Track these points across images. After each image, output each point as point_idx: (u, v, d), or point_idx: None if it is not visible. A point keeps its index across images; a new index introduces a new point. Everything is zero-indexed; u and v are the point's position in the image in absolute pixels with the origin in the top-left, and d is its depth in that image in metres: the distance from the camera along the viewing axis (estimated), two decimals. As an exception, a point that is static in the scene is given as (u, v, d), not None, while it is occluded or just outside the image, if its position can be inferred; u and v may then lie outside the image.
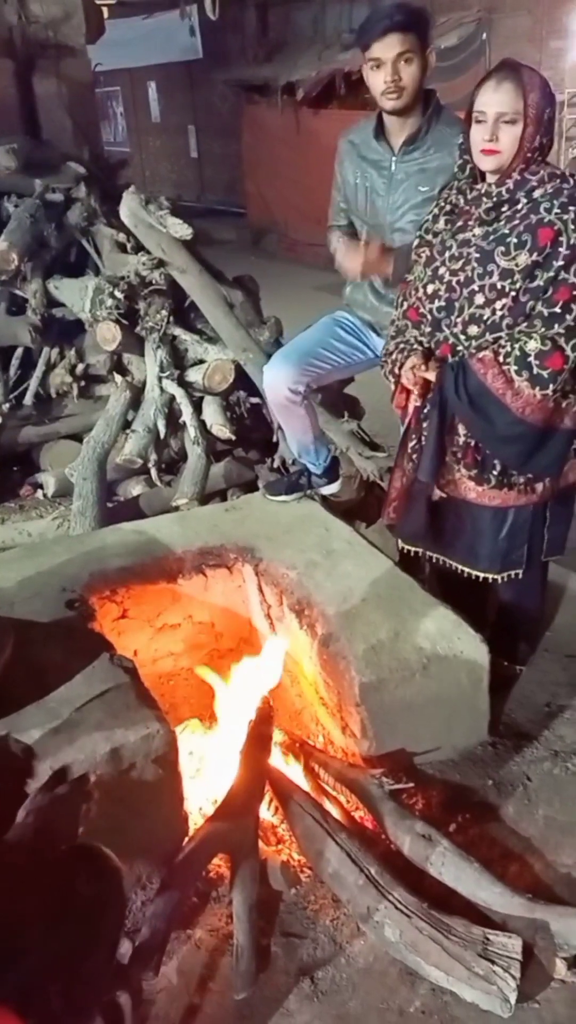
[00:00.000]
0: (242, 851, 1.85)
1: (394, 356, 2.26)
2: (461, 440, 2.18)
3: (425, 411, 2.23)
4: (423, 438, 2.25)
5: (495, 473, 2.18)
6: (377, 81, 2.42)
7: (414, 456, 2.30)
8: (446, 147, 2.46)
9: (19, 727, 1.80)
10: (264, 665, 2.33)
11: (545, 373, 2.00)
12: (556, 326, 2.00)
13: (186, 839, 1.89)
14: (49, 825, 1.40)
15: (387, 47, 2.36)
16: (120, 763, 1.77)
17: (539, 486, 2.22)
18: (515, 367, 2.02)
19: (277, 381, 2.69)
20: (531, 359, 2.00)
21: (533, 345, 2.00)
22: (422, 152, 2.51)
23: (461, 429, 2.17)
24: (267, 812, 2.06)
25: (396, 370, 2.23)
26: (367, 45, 2.39)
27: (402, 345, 2.25)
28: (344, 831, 1.91)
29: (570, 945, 1.70)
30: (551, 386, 2.01)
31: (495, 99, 1.96)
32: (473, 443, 2.17)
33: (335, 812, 2.02)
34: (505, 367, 2.03)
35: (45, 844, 1.41)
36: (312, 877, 1.93)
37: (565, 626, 2.78)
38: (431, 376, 2.13)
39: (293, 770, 2.16)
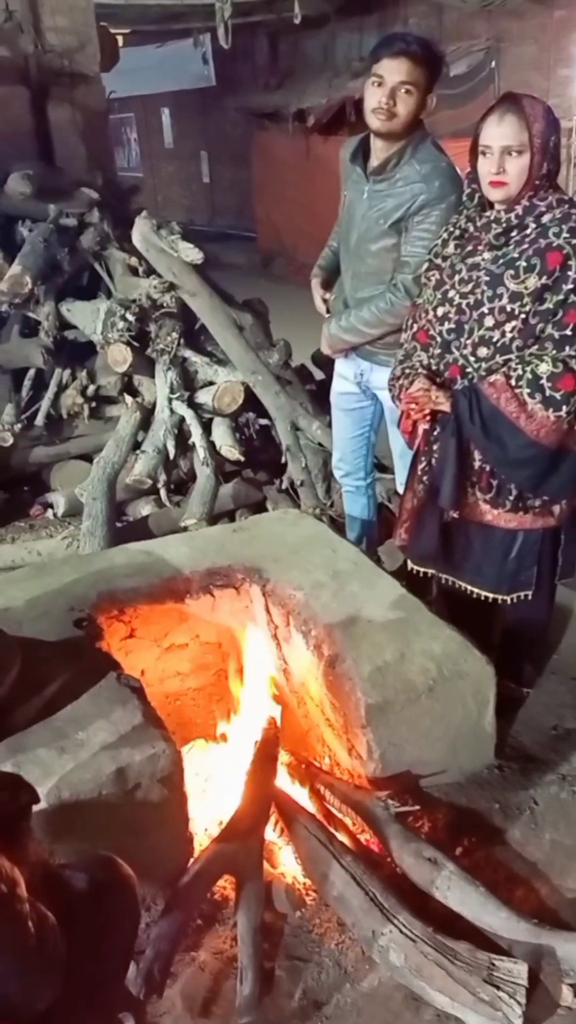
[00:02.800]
0: (247, 873, 1.85)
1: (400, 381, 2.29)
2: (476, 464, 2.20)
3: (435, 433, 2.25)
4: (433, 460, 2.26)
5: (511, 497, 2.19)
6: (372, 98, 2.43)
7: (424, 478, 2.31)
8: (410, 183, 2.47)
9: (26, 746, 1.81)
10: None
11: (558, 395, 2.02)
12: (567, 348, 2.02)
13: (191, 860, 1.89)
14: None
15: (393, 69, 2.38)
16: (125, 783, 1.77)
17: (556, 508, 2.23)
18: (528, 390, 2.04)
19: (343, 479, 3.24)
20: (543, 381, 2.02)
21: (545, 367, 2.02)
22: (388, 184, 2.53)
23: (476, 453, 2.19)
24: (273, 834, 2.05)
25: (402, 395, 2.25)
26: (378, 59, 2.40)
27: (407, 370, 2.28)
28: (349, 854, 1.90)
29: (576, 971, 1.69)
30: (564, 407, 2.03)
31: (499, 132, 1.99)
32: (488, 468, 2.19)
33: (341, 835, 2.01)
34: (517, 390, 2.05)
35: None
36: (317, 900, 1.91)
37: (572, 648, 2.77)
38: (445, 408, 2.15)
39: (299, 792, 2.15)
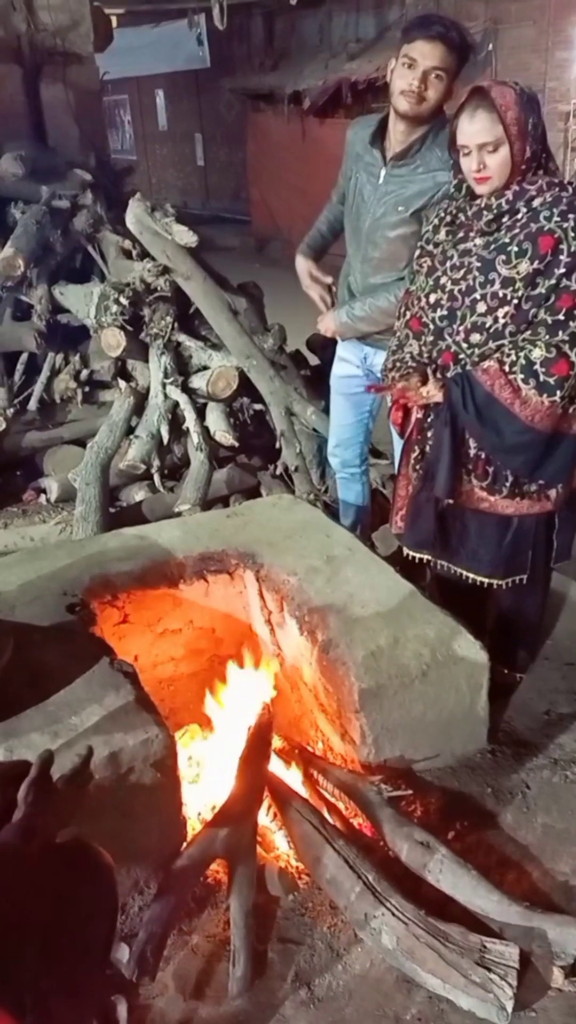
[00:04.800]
0: (240, 856, 1.85)
1: (392, 373, 2.27)
2: (472, 452, 2.19)
3: (428, 421, 2.24)
4: (427, 448, 2.25)
5: (507, 483, 2.19)
6: (403, 80, 2.38)
7: (418, 466, 2.31)
8: (432, 171, 2.45)
9: (18, 731, 1.80)
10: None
11: (552, 380, 2.01)
12: (560, 333, 2.01)
13: (184, 844, 1.89)
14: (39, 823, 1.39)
15: (428, 54, 2.33)
16: (119, 767, 1.77)
17: (552, 493, 2.23)
18: (521, 375, 2.03)
19: (338, 467, 3.25)
20: (537, 367, 2.01)
21: (538, 353, 2.01)
22: (410, 170, 2.51)
23: (471, 441, 2.18)
24: (266, 818, 2.06)
25: (393, 388, 2.24)
26: (411, 40, 2.34)
27: (398, 363, 2.26)
28: (342, 837, 1.90)
29: (567, 953, 1.70)
30: (558, 392, 2.02)
31: (473, 130, 1.97)
32: (484, 455, 2.18)
33: (333, 818, 2.02)
34: (511, 376, 2.04)
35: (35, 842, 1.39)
36: (310, 883, 1.92)
37: (565, 634, 2.78)
38: (438, 398, 2.14)
39: (292, 776, 2.16)
